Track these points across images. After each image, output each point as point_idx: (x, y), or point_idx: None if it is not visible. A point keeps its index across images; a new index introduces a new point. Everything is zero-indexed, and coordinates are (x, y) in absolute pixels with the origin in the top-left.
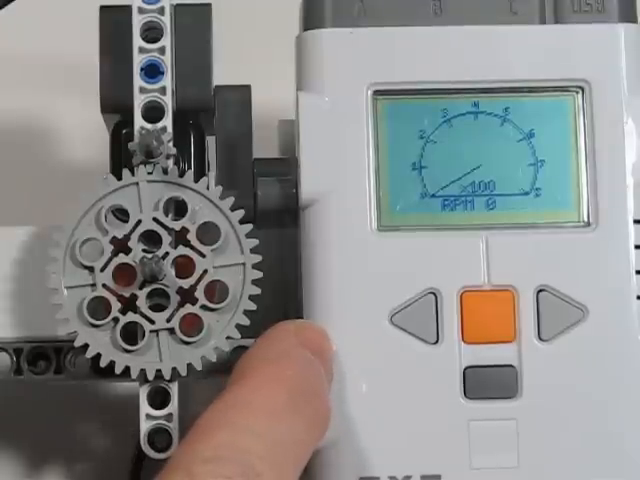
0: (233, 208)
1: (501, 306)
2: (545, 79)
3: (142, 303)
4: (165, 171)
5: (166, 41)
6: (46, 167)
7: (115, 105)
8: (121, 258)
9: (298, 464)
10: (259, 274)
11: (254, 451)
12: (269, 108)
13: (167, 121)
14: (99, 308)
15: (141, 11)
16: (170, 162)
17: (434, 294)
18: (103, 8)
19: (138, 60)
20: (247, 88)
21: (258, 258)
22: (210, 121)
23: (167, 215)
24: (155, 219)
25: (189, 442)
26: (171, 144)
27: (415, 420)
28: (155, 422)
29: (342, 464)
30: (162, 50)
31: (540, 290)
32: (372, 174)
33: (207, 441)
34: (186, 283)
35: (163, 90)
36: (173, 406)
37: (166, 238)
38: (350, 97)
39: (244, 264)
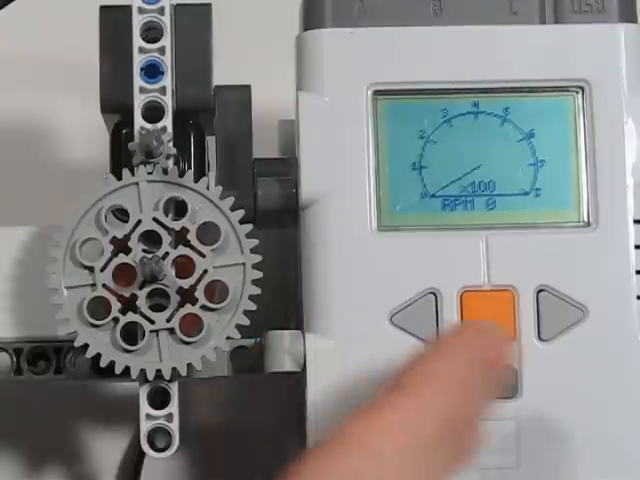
0: (233, 208)
1: (501, 306)
2: (545, 79)
3: (142, 303)
4: (165, 171)
5: (166, 41)
6: (46, 167)
7: (115, 105)
8: (121, 258)
9: None
10: (259, 274)
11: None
12: (269, 108)
13: (167, 121)
14: (99, 308)
15: (141, 11)
16: (170, 162)
17: (434, 294)
18: (103, 8)
19: (138, 60)
20: (247, 88)
21: (258, 258)
22: (210, 121)
23: (167, 215)
24: (155, 219)
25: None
26: (171, 144)
27: None
28: (155, 422)
29: None
30: (162, 50)
31: (540, 290)
32: (372, 174)
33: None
34: (186, 283)
35: (163, 90)
36: (173, 406)
37: (166, 238)
38: (350, 97)
39: (244, 264)
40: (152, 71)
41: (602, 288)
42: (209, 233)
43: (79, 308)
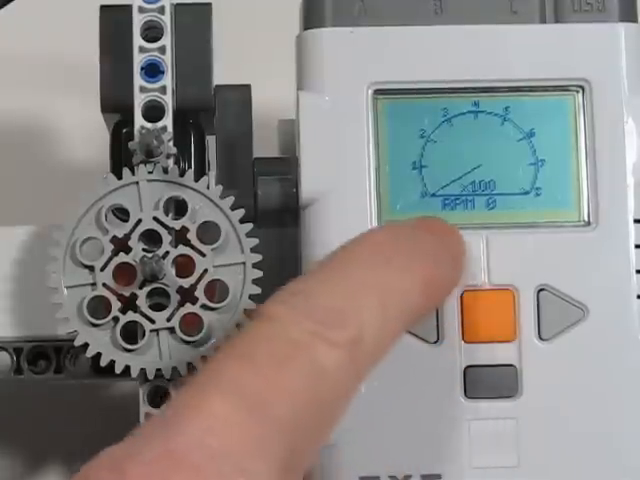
0: (233, 207)
1: (501, 305)
2: (545, 78)
3: (142, 302)
4: (165, 170)
5: (166, 40)
6: (46, 167)
7: (115, 104)
8: (121, 257)
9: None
10: (259, 273)
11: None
12: (269, 108)
13: (167, 120)
14: (99, 307)
15: (141, 10)
16: (170, 161)
17: None
18: (103, 8)
19: (138, 59)
20: (247, 88)
21: (258, 257)
22: (210, 121)
23: (167, 214)
24: (155, 218)
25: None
26: (171, 143)
27: (415, 420)
28: None
29: (342, 464)
30: (162, 49)
31: (540, 289)
32: (372, 173)
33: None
34: (186, 282)
35: (163, 89)
36: None
37: (166, 237)
38: (350, 96)
39: (244, 263)
40: (152, 70)
41: (602, 287)
42: (209, 232)
43: (79, 307)
